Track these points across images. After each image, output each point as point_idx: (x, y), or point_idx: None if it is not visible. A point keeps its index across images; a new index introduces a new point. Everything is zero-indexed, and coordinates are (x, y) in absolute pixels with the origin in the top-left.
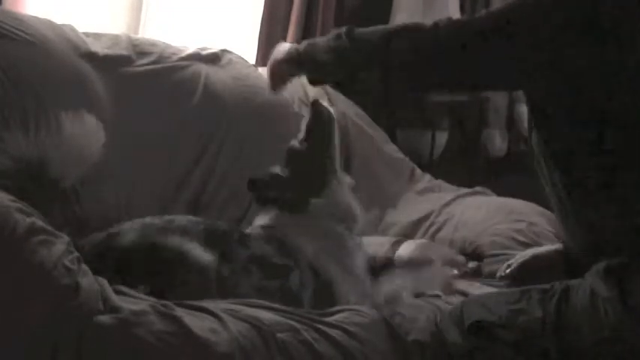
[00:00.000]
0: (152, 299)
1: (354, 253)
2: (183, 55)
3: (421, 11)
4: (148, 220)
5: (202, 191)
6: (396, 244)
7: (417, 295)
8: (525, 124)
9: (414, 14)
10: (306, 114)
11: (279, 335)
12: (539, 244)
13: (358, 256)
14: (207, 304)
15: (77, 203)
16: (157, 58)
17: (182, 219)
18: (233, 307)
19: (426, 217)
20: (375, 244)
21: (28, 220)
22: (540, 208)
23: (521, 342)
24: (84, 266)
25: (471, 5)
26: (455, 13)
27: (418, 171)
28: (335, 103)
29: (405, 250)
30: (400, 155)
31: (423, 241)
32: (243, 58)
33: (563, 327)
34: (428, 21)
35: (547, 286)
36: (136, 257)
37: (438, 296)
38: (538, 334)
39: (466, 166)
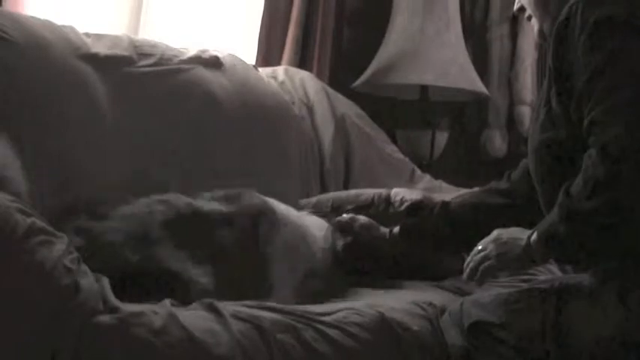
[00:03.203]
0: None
1: None
2: (184, 57)
3: (421, 12)
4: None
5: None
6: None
7: None
8: (525, 125)
9: (414, 15)
10: (306, 116)
11: (279, 335)
12: None
13: None
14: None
15: None
16: (157, 60)
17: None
18: (235, 306)
19: None
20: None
21: (28, 220)
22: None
23: (521, 342)
24: (84, 266)
25: (470, 6)
26: (455, 14)
27: (418, 171)
28: (335, 103)
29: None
30: (400, 156)
31: None
32: (243, 61)
33: (563, 327)
34: (428, 23)
35: (546, 286)
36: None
37: None
38: (538, 334)
39: (466, 167)
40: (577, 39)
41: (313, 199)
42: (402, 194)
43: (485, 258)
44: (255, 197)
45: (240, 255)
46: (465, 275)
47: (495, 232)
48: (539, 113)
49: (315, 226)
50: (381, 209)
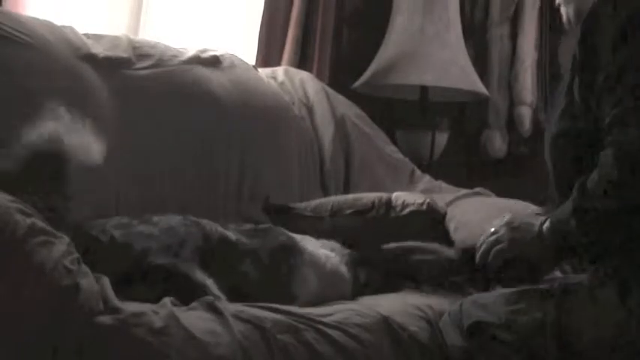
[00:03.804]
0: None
1: None
2: (183, 58)
3: (421, 12)
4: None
5: (203, 196)
6: None
7: None
8: (525, 126)
9: (414, 15)
10: (306, 116)
11: (280, 336)
12: None
13: None
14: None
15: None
16: (156, 60)
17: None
18: (236, 306)
19: None
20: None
21: (28, 220)
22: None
23: (521, 343)
24: (84, 267)
25: (470, 6)
26: (455, 14)
27: (418, 172)
28: (335, 104)
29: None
30: (400, 156)
31: None
32: (243, 60)
33: (563, 327)
34: (428, 23)
35: (546, 286)
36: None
37: None
38: (538, 334)
39: (466, 167)
40: (606, 31)
41: (313, 203)
42: (404, 198)
43: (498, 241)
44: (280, 233)
45: (262, 289)
46: (477, 257)
47: (508, 216)
48: (559, 102)
49: (338, 258)
50: (382, 213)
